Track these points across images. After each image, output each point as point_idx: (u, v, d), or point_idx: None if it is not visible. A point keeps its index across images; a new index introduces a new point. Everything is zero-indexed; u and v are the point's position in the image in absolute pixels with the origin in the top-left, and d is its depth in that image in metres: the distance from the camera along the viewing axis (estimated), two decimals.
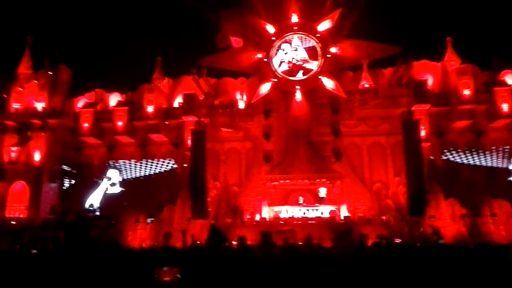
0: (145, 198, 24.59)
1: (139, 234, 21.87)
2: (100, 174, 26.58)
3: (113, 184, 26.26)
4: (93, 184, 26.11)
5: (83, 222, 20.80)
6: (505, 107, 22.83)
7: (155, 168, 26.53)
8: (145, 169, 26.60)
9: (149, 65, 28.76)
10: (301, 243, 17.80)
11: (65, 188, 26.71)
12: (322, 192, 23.44)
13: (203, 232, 19.66)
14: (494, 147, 23.73)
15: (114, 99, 27.56)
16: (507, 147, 23.63)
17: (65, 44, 32.40)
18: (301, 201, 23.21)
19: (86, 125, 26.09)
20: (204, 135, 22.70)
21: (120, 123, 25.77)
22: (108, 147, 26.76)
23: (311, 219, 21.90)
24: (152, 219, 22.63)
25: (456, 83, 23.81)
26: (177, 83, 27.42)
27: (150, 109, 25.86)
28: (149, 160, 26.52)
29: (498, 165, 23.55)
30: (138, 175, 26.66)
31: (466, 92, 23.44)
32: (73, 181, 26.92)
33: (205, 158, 22.54)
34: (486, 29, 31.33)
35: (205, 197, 21.48)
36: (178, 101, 26.24)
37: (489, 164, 23.67)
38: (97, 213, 24.75)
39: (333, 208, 22.63)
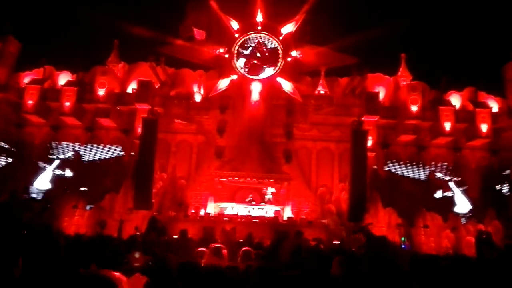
0: (87, 184, 23.71)
1: (76, 221, 21.04)
2: (40, 154, 25.33)
3: (63, 167, 25.03)
4: (32, 165, 24.80)
5: (16, 203, 19.71)
6: (447, 126, 24.16)
7: (101, 154, 25.62)
8: (90, 154, 25.63)
9: (105, 47, 27.78)
10: (242, 240, 17.96)
11: (0, 165, 25.22)
12: (269, 192, 23.73)
13: (144, 223, 19.29)
14: (433, 163, 25.06)
15: (63, 78, 26.32)
16: (445, 163, 25.04)
17: (16, 15, 30.58)
18: (249, 200, 23.34)
19: (30, 102, 24.72)
20: (156, 125, 22.26)
21: (67, 104, 24.67)
22: (52, 127, 25.52)
23: (255, 217, 22.12)
24: (92, 206, 21.86)
25: (405, 99, 24.92)
26: (133, 68, 26.66)
27: (101, 92, 24.96)
28: (95, 145, 25.55)
29: (435, 180, 24.91)
30: (81, 159, 25.63)
31: (414, 108, 24.59)
32: (10, 159, 25.43)
33: (155, 148, 22.10)
34: (439, 50, 33.02)
35: (150, 187, 21.04)
36: (132, 87, 25.53)
37: (427, 178, 24.97)
38: (37, 196, 23.59)
39: (278, 208, 23.00)
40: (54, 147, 25.50)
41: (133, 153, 23.85)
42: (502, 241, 19.27)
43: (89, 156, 25.64)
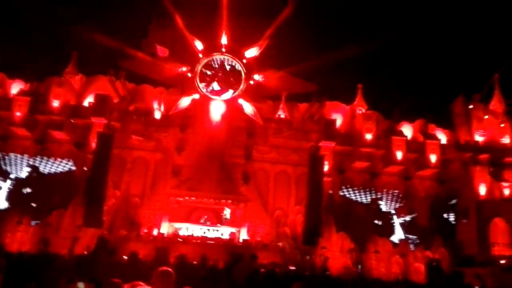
0: (34, 199, 22.44)
1: (20, 237, 19.75)
2: None
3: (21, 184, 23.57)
4: None
5: None
6: (399, 155, 25.24)
7: (51, 168, 24.39)
8: (39, 167, 24.34)
9: (63, 58, 26.96)
10: (196, 262, 17.58)
11: None
12: (227, 213, 23.52)
13: (92, 242, 18.43)
14: (384, 190, 25.97)
15: (16, 87, 25.17)
16: (396, 191, 26.02)
17: None
18: (203, 220, 22.99)
19: None
20: (112, 140, 21.59)
21: (18, 114, 23.52)
22: (1, 137, 24.14)
23: (211, 239, 21.77)
24: (38, 222, 20.65)
25: (360, 127, 25.88)
26: (91, 81, 25.95)
27: (56, 103, 24.04)
28: (45, 158, 24.35)
29: (386, 206, 25.80)
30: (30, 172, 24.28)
31: (368, 136, 25.56)
32: None
33: (109, 164, 21.37)
34: (394, 82, 34.78)
35: (101, 205, 20.20)
36: (89, 101, 24.78)
37: (379, 204, 25.78)
38: None
39: (233, 230, 22.78)
40: (1, 158, 24.05)
41: (85, 168, 22.93)
42: (449, 268, 20.10)
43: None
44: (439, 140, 26.06)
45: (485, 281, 15.38)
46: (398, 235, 25.02)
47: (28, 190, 23.48)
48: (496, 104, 27.14)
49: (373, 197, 25.63)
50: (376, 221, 25.04)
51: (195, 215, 23.67)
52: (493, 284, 16.92)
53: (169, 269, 4.74)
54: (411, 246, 23.85)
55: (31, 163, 24.20)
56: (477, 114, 26.60)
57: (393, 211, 25.61)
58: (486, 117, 26.56)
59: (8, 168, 24.04)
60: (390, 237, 23.96)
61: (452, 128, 27.09)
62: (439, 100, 29.03)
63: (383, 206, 25.66)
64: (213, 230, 22.36)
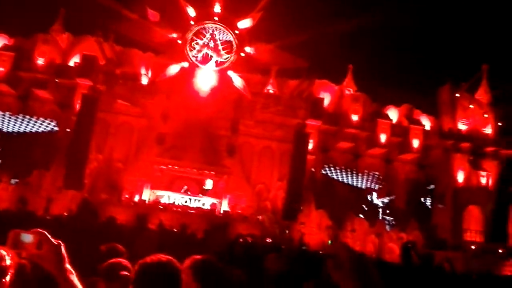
0: (14, 157, 22.11)
1: None
2: None
3: None
4: None
5: None
6: (383, 137, 25.56)
7: (33, 126, 23.95)
8: (21, 125, 23.86)
9: (50, 14, 26.06)
10: (175, 230, 17.74)
11: None
12: (208, 184, 23.65)
13: (72, 203, 18.38)
14: (366, 171, 26.39)
15: (0, 41, 24.32)
16: (377, 173, 26.47)
17: None
18: (183, 190, 23.06)
19: None
20: (97, 103, 21.30)
21: (1, 69, 22.86)
22: None
23: (192, 208, 21.93)
24: (17, 180, 20.44)
25: (347, 108, 26.00)
26: (78, 41, 25.23)
27: (40, 61, 23.40)
28: (27, 116, 23.82)
29: (366, 187, 26.30)
30: (11, 130, 23.80)
31: (355, 117, 25.73)
32: None
33: (93, 127, 21.12)
34: (384, 65, 34.78)
35: (83, 167, 20.10)
36: (74, 61, 24.16)
37: (360, 185, 26.27)
38: None
39: (215, 201, 22.97)
40: None
41: (68, 130, 22.60)
42: (421, 250, 20.76)
43: (19, 127, 23.86)
44: (423, 125, 26.44)
45: (454, 265, 15.98)
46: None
47: None
48: (482, 94, 27.49)
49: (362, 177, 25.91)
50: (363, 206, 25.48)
51: (177, 184, 23.74)
52: (462, 268, 17.60)
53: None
54: (387, 227, 24.51)
55: (12, 121, 23.68)
56: (463, 103, 26.94)
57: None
58: (471, 106, 26.94)
59: None
60: (376, 217, 24.40)
61: (436, 115, 27.44)
62: (426, 86, 29.26)
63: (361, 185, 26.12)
64: (195, 200, 22.50)
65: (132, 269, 3.21)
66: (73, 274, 1.90)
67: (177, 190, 23.21)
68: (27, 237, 1.84)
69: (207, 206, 22.53)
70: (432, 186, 26.46)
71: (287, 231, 17.89)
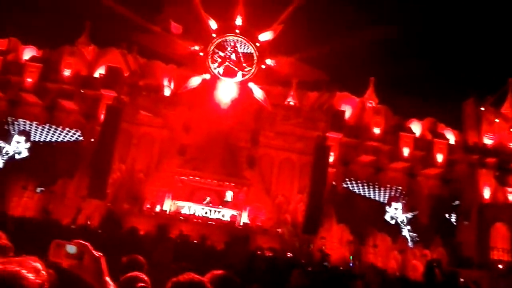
0: (40, 165, 22.59)
1: (24, 202, 20.03)
2: None
3: (16, 153, 23.66)
4: None
5: None
6: (406, 151, 25.13)
7: (58, 136, 24.51)
8: (47, 134, 24.44)
9: (77, 27, 26.82)
10: (196, 241, 17.76)
11: None
12: (228, 195, 23.65)
13: (95, 213, 18.64)
14: (388, 185, 25.94)
15: (28, 53, 25.12)
16: (400, 187, 25.98)
17: None
18: (206, 201, 23.13)
19: None
20: (120, 113, 21.67)
21: (29, 80, 23.55)
22: (10, 102, 24.24)
23: (212, 220, 21.95)
24: (43, 189, 20.87)
25: (369, 120, 25.74)
26: (103, 53, 25.85)
27: (67, 73, 24.05)
28: (53, 126, 24.41)
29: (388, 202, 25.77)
30: (37, 139, 24.38)
31: (376, 130, 25.42)
32: None
33: (116, 137, 21.47)
34: (407, 78, 34.40)
35: (106, 177, 20.39)
36: (99, 72, 24.74)
37: (381, 199, 25.80)
38: None
39: (234, 213, 22.93)
40: (9, 122, 24.16)
41: (92, 140, 23.04)
42: (446, 268, 20.15)
43: (45, 136, 24.45)
44: (448, 140, 25.89)
45: (480, 284, 15.45)
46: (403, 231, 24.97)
47: (23, 155, 23.48)
48: (508, 108, 26.80)
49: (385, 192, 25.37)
50: (386, 219, 24.90)
51: (197, 195, 23.84)
52: None
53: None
54: (410, 243, 23.92)
55: (38, 131, 24.26)
56: (488, 117, 26.31)
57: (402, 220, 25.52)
58: (497, 120, 26.28)
59: (16, 134, 24.13)
60: (398, 233, 23.79)
61: (461, 129, 26.86)
62: (450, 100, 28.71)
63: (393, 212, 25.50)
64: (215, 211, 22.52)
65: (149, 283, 3.31)
66: (112, 287, 1.89)
67: (197, 201, 23.29)
68: (70, 248, 1.84)
69: (227, 218, 22.51)
70: (457, 202, 25.77)
71: (311, 246, 17.61)
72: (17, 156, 23.62)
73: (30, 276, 1.58)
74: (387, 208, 25.44)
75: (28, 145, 23.76)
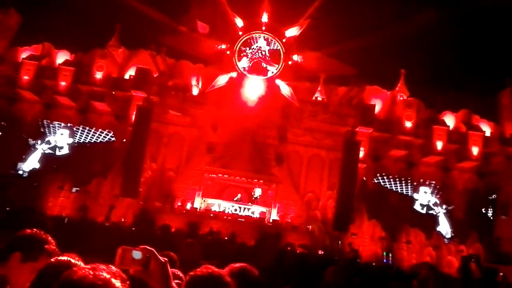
0: (75, 166, 23.40)
1: (61, 202, 20.79)
2: (31, 131, 24.95)
3: (58, 147, 24.67)
4: (21, 141, 24.41)
5: (1, 177, 19.39)
6: (439, 145, 24.39)
7: (92, 137, 25.29)
8: (81, 136, 25.28)
9: (107, 30, 27.52)
10: (226, 238, 17.94)
11: None
12: (257, 192, 23.72)
13: (128, 211, 19.13)
14: (421, 180, 25.28)
15: (62, 57, 26.00)
16: (433, 182, 25.28)
17: None
18: (237, 198, 23.31)
19: (26, 77, 24.40)
20: (151, 114, 22.10)
21: (63, 83, 24.36)
22: (45, 105, 25.18)
23: (241, 217, 22.08)
24: (78, 188, 21.60)
25: (400, 114, 25.12)
26: (133, 55, 26.43)
27: (98, 75, 24.70)
28: (87, 128, 25.21)
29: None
30: (71, 141, 25.26)
31: (408, 124, 24.79)
32: None
33: (147, 137, 21.93)
34: (438, 69, 33.34)
35: (139, 176, 20.88)
36: (130, 74, 25.32)
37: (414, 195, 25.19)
38: (23, 173, 23.33)
39: (264, 210, 22.98)
40: (45, 125, 25.13)
41: (124, 140, 23.63)
42: (484, 264, 19.50)
43: (79, 138, 25.29)
44: (483, 132, 24.92)
45: None
46: (443, 227, 24.36)
47: (63, 152, 24.41)
48: None
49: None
50: (417, 209, 24.38)
51: (227, 192, 24.05)
52: None
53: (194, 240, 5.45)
54: (445, 239, 23.27)
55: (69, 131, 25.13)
56: None
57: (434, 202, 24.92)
58: None
59: (51, 136, 25.08)
60: (432, 229, 23.30)
61: (497, 120, 25.84)
62: (485, 91, 27.61)
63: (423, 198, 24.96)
64: (244, 208, 22.64)
65: (183, 279, 3.34)
66: None
67: (227, 198, 23.50)
68: (137, 254, 1.81)
69: (256, 215, 22.59)
70: (493, 196, 24.83)
71: (340, 242, 17.44)
72: (58, 153, 24.57)
73: (118, 284, 1.59)
74: (415, 195, 24.85)
75: (70, 140, 24.72)
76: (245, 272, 2.90)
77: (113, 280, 1.58)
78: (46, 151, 24.67)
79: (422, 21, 24.42)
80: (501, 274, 15.13)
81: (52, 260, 2.27)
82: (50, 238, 2.84)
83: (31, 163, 24.16)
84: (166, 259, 1.85)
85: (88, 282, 1.53)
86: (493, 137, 25.04)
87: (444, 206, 24.84)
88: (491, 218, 24.74)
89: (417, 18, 23.98)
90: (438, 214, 24.84)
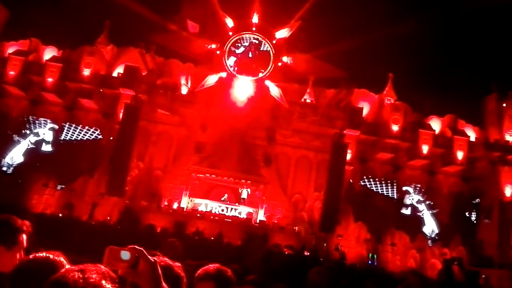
0: (60, 164, 23.10)
1: (45, 200, 20.51)
2: (16, 127, 24.57)
3: (44, 142, 24.36)
4: (5, 137, 24.02)
5: None
6: (425, 149, 24.71)
7: (78, 135, 25.00)
8: (67, 133, 24.97)
9: (95, 27, 27.25)
10: (212, 238, 17.91)
11: None
12: (244, 193, 23.73)
13: (114, 210, 18.96)
14: (407, 183, 25.58)
15: (49, 53, 25.67)
16: (419, 185, 25.60)
17: None
18: (224, 199, 23.28)
19: (12, 73, 24.05)
20: (138, 112, 21.95)
21: (50, 79, 24.05)
22: (32, 101, 24.83)
23: (228, 217, 22.06)
24: (63, 186, 21.33)
25: (387, 117, 25.39)
26: (122, 52, 26.21)
27: (86, 72, 24.44)
28: (73, 125, 24.94)
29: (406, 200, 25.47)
30: (58, 137, 24.94)
31: (395, 127, 25.07)
32: None
33: (135, 135, 21.77)
34: (425, 74, 33.77)
35: (125, 175, 20.71)
36: (118, 71, 25.10)
37: (399, 197, 25.47)
38: (7, 170, 22.97)
39: (251, 210, 23.00)
40: (31, 121, 24.77)
41: (111, 138, 23.42)
42: (467, 267, 19.80)
43: (65, 135, 24.97)
44: (468, 136, 25.33)
45: (503, 284, 15.15)
46: (430, 227, 24.70)
47: (48, 148, 24.15)
48: None
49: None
50: (403, 211, 24.72)
51: (214, 192, 24.01)
52: None
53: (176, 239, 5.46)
54: (429, 242, 23.58)
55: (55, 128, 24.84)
56: (510, 113, 25.64)
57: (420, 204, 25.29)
58: None
59: (41, 129, 24.74)
60: (417, 231, 23.61)
61: (482, 125, 26.28)
62: (471, 96, 28.05)
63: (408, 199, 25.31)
64: (231, 208, 22.64)
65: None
66: None
67: (214, 198, 23.45)
68: (125, 254, 1.75)
69: (243, 215, 22.59)
70: (477, 200, 25.25)
71: (325, 244, 17.55)
72: (44, 148, 24.25)
73: (109, 286, 1.54)
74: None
75: (56, 137, 24.45)
76: (221, 273, 2.96)
77: (103, 282, 1.54)
78: (32, 146, 24.31)
79: (410, 26, 24.73)
80: (483, 276, 15.39)
81: (30, 256, 2.23)
82: (25, 227, 2.80)
83: (15, 156, 23.79)
84: (155, 259, 1.82)
85: (78, 287, 1.50)
86: (478, 142, 25.46)
87: (428, 205, 25.22)
88: (475, 221, 25.16)
89: (406, 23, 24.27)
90: (423, 213, 25.18)
